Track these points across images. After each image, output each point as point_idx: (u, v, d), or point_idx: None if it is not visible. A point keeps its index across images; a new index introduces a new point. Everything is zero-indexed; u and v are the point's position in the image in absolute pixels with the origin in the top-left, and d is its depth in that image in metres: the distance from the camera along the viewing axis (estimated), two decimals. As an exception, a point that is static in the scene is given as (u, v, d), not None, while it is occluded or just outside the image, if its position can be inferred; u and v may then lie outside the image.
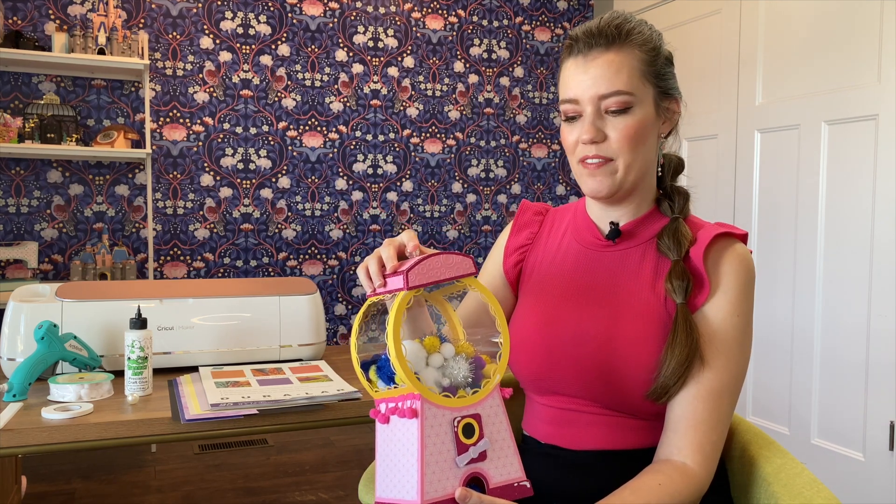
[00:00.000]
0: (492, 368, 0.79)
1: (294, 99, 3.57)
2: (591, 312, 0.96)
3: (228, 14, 3.45)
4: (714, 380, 0.88)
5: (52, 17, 3.16)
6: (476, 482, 0.73)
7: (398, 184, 3.78)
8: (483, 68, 3.93)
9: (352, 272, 3.73)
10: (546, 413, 1.00)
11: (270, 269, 3.57)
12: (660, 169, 1.01)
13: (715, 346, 0.89)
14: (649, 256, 0.96)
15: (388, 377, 0.77)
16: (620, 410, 0.93)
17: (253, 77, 3.50)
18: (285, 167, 3.57)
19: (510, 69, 3.99)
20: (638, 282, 0.95)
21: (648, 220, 0.99)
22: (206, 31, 3.41)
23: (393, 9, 3.73)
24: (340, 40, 3.65)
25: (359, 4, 3.67)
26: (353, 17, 3.66)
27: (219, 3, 3.43)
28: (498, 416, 0.76)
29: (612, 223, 0.99)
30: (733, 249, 0.93)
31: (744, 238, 0.96)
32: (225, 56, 3.45)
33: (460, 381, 0.77)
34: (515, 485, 0.75)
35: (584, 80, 0.91)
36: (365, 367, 0.81)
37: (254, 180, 3.53)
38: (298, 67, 3.57)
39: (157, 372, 1.54)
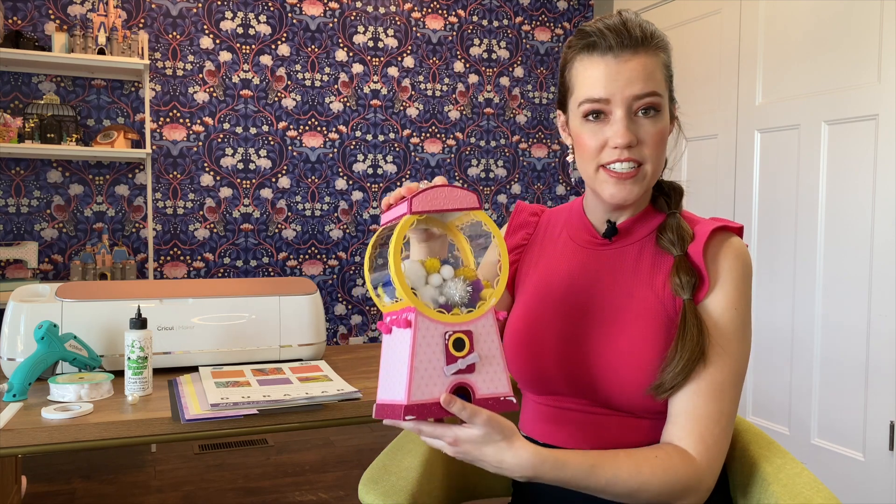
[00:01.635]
0: (489, 292, 0.83)
1: (294, 99, 3.57)
2: (582, 311, 0.96)
3: (228, 14, 3.45)
4: (715, 374, 0.88)
5: (52, 17, 3.16)
6: (463, 392, 0.78)
7: (398, 184, 3.78)
8: (483, 68, 3.93)
9: (352, 272, 3.73)
10: (542, 412, 1.00)
11: (270, 269, 3.57)
12: None
13: (715, 341, 0.89)
14: (646, 253, 0.97)
15: (394, 293, 0.83)
16: (616, 408, 0.93)
17: (253, 77, 3.50)
18: (285, 167, 3.57)
19: (510, 69, 3.99)
20: (635, 279, 0.95)
21: (644, 218, 0.99)
22: (206, 31, 3.41)
23: (393, 9, 3.73)
24: (340, 40, 3.65)
25: (359, 4, 3.67)
26: (353, 17, 3.66)
27: (219, 3, 3.43)
28: (490, 335, 0.80)
29: (608, 221, 0.99)
30: (730, 244, 0.93)
31: (739, 231, 0.96)
32: (225, 56, 3.45)
33: (456, 301, 0.81)
34: (501, 398, 0.80)
35: (617, 79, 0.90)
36: (376, 284, 0.88)
37: (254, 180, 3.53)
38: (298, 67, 3.57)
39: (157, 372, 1.54)
